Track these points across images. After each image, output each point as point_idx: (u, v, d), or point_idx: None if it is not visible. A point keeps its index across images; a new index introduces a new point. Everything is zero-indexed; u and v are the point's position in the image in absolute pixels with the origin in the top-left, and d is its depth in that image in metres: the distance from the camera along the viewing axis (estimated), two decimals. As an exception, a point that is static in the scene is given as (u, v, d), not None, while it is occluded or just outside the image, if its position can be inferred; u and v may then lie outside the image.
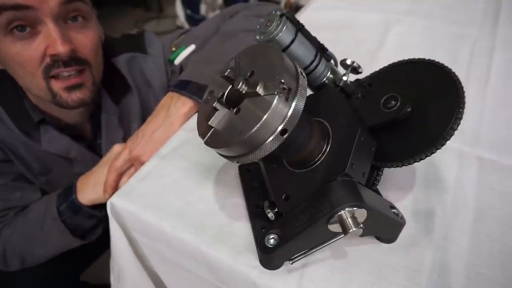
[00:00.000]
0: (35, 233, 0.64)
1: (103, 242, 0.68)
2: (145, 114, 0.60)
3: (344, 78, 0.41)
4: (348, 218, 0.31)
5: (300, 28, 0.37)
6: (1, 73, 0.63)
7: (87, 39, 0.60)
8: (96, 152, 0.75)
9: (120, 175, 0.56)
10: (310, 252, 0.34)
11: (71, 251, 0.68)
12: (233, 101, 0.31)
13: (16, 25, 0.53)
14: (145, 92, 0.77)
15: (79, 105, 0.62)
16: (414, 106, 0.38)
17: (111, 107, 0.73)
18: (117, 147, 0.60)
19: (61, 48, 0.55)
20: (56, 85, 0.59)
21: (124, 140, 0.68)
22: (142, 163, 0.52)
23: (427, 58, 0.41)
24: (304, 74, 0.31)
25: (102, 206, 0.62)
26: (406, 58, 0.43)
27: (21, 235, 0.65)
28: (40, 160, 0.70)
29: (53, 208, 0.62)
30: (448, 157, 0.48)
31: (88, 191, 0.61)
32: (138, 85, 0.75)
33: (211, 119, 0.31)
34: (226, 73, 0.33)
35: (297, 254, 0.35)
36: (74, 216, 0.62)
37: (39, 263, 0.70)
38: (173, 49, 0.76)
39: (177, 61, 0.74)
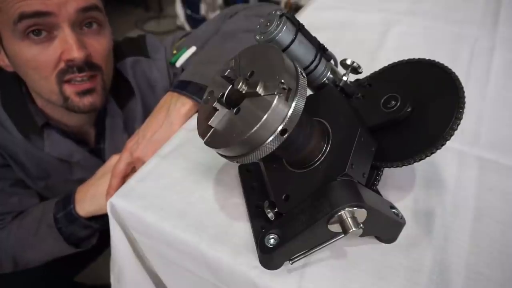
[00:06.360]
0: (30, 237, 0.64)
1: (100, 247, 0.68)
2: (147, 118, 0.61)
3: (344, 78, 0.41)
4: (348, 218, 0.31)
5: (300, 28, 0.37)
6: (6, 77, 0.63)
7: (101, 46, 0.61)
8: (98, 157, 0.75)
9: (123, 179, 0.56)
10: (310, 252, 0.34)
11: (66, 255, 0.68)
12: (233, 101, 0.31)
13: (33, 29, 0.54)
14: (148, 96, 0.77)
15: (90, 110, 0.64)
16: (414, 106, 0.38)
17: (116, 112, 0.74)
18: (115, 158, 0.60)
19: (76, 54, 0.56)
20: (69, 90, 0.60)
21: None
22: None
23: (427, 58, 0.41)
24: (304, 74, 0.31)
25: (98, 218, 0.63)
26: (406, 58, 0.43)
27: (16, 238, 0.65)
28: (39, 165, 0.70)
29: (49, 215, 0.62)
30: (448, 157, 0.48)
31: (87, 203, 0.61)
32: (141, 89, 0.76)
33: (211, 119, 0.31)
34: (226, 73, 0.33)
35: (297, 254, 0.35)
36: (69, 225, 0.63)
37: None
38: (174, 51, 0.76)
39: (179, 63, 0.74)
